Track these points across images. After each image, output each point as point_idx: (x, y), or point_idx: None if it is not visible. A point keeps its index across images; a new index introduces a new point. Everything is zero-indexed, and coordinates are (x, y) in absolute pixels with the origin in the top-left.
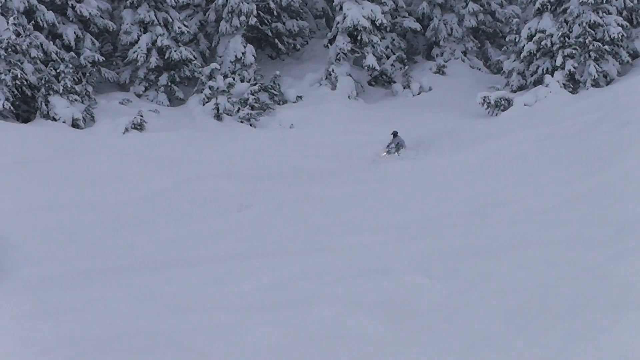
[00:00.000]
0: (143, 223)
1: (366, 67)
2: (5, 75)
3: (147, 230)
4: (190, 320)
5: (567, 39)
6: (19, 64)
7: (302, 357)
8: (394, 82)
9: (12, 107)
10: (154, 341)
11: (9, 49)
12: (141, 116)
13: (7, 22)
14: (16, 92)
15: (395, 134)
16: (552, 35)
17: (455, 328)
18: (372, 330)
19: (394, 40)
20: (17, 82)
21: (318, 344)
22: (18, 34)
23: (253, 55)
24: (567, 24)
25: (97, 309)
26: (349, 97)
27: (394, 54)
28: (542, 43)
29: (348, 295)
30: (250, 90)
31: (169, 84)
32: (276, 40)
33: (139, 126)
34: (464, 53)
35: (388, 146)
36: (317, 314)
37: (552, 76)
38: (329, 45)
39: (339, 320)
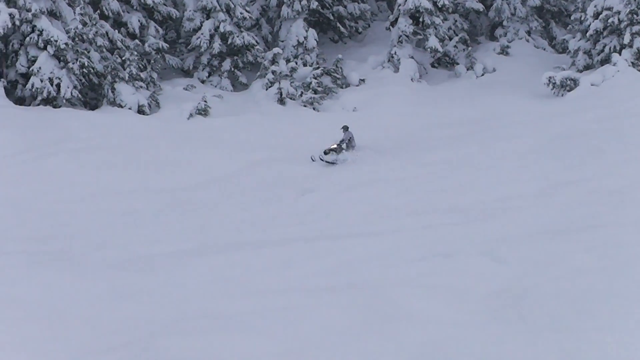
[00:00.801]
0: (209, 207)
1: (428, 49)
2: (73, 63)
3: (213, 214)
4: (257, 303)
5: (635, 15)
6: (86, 52)
7: (368, 339)
8: (457, 64)
9: (80, 95)
10: (222, 323)
11: (76, 38)
12: (205, 101)
13: (74, 12)
14: (83, 80)
15: (345, 129)
16: (619, 13)
17: (522, 311)
18: (439, 312)
19: (456, 21)
20: (84, 70)
21: (384, 326)
22: (84, 24)
23: (315, 39)
24: (635, 0)
25: (166, 292)
26: (411, 79)
27: (457, 35)
28: (609, 21)
29: (414, 277)
30: (313, 74)
31: (232, 69)
32: (338, 24)
33: (203, 111)
34: (528, 33)
35: (340, 142)
36: (383, 296)
37: (620, 55)
38: (390, 27)
39: (406, 303)
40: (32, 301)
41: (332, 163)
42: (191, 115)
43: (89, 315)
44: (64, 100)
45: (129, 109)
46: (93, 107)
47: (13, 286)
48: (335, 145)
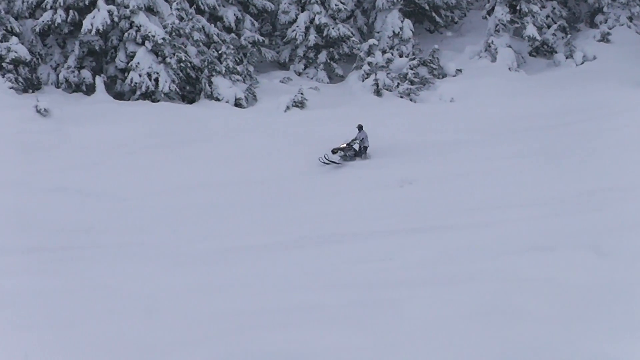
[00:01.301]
0: (306, 199)
1: (526, 38)
2: (171, 58)
3: (310, 206)
4: (354, 294)
5: None
6: (183, 47)
7: (467, 333)
8: (556, 52)
9: (177, 89)
10: (318, 315)
11: (173, 33)
12: (302, 94)
13: (171, 8)
14: (181, 74)
15: (360, 128)
16: None
17: (625, 306)
18: (536, 307)
19: (554, 8)
20: (181, 64)
21: (481, 320)
22: (181, 19)
23: (411, 30)
24: None
25: (256, 284)
26: (509, 68)
27: (555, 22)
28: None
29: (512, 271)
30: (409, 65)
31: (328, 61)
32: (433, 14)
33: (299, 104)
34: (630, 19)
35: (351, 142)
36: (480, 290)
37: None
38: (487, 16)
39: (503, 297)
40: (127, 292)
41: (338, 164)
42: (288, 107)
43: (184, 307)
44: (162, 95)
45: (226, 102)
46: (191, 101)
47: (108, 277)
48: (344, 145)
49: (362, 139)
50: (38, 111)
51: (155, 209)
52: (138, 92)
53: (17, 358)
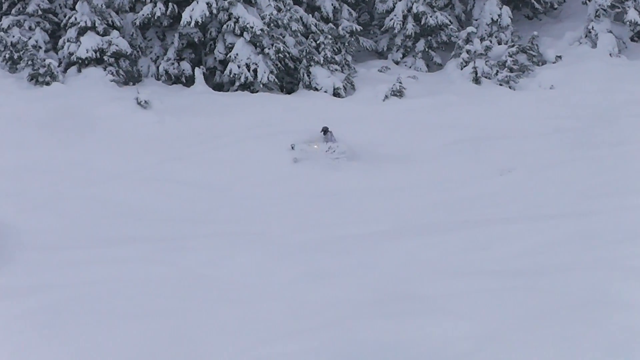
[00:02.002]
0: (403, 188)
1: (628, 23)
2: (269, 49)
3: (409, 195)
4: (455, 285)
5: None
6: (281, 37)
7: (567, 324)
8: None
9: (276, 79)
10: (419, 305)
11: (271, 24)
12: (400, 83)
13: None
14: (279, 64)
15: (325, 131)
16: None
17: None
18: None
19: None
20: (280, 55)
21: (581, 310)
22: (279, 9)
23: (509, 17)
24: None
25: (363, 273)
26: (610, 54)
27: None
28: None
29: (614, 260)
30: (508, 52)
31: (426, 49)
32: (532, 0)
33: (398, 93)
34: None
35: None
36: (581, 280)
37: None
38: (587, 1)
39: (604, 287)
40: (231, 282)
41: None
42: (386, 96)
43: (287, 296)
44: (261, 85)
45: (325, 92)
46: (289, 91)
47: (212, 267)
48: (317, 146)
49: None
50: (139, 103)
51: (258, 198)
52: (237, 83)
53: (126, 347)
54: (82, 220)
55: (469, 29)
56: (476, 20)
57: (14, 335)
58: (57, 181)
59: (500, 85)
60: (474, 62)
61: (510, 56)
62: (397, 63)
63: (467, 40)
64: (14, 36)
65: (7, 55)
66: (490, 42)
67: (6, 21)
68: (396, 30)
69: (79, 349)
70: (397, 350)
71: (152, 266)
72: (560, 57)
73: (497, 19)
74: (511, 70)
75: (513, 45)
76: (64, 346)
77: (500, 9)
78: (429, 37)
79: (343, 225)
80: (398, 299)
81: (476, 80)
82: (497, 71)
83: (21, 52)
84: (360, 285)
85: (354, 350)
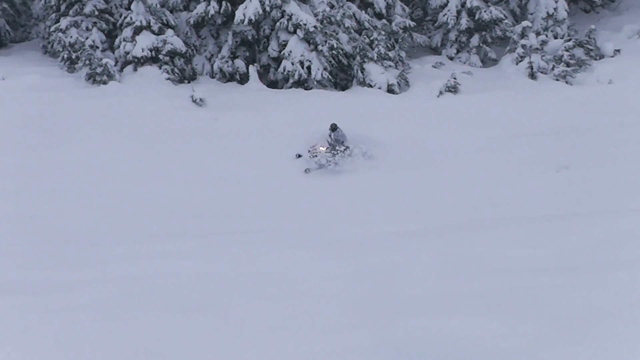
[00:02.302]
0: (457, 184)
1: None
2: (323, 46)
3: (460, 191)
4: (498, 282)
5: None
6: (334, 34)
7: (625, 320)
8: None
9: (330, 76)
10: (462, 302)
11: (325, 21)
12: (454, 78)
13: None
14: (333, 61)
15: (334, 128)
16: None
17: None
18: None
19: None
20: (333, 52)
21: (636, 309)
22: (332, 6)
23: (565, 10)
24: None
25: (407, 270)
26: None
27: None
28: None
29: None
30: (564, 47)
31: (481, 44)
32: None
33: (452, 89)
34: None
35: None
36: (635, 278)
37: None
38: None
39: None
40: (275, 278)
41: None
42: (441, 92)
43: (333, 293)
44: (315, 82)
45: (379, 88)
46: (343, 88)
47: (265, 263)
48: (323, 148)
49: (336, 139)
50: (194, 101)
51: (309, 194)
52: (291, 80)
53: (173, 341)
54: (130, 216)
55: (524, 23)
56: (531, 14)
57: (65, 329)
58: (112, 177)
59: (557, 80)
60: (530, 57)
61: (567, 50)
62: (451, 59)
63: (523, 35)
64: (71, 36)
65: (65, 55)
66: (546, 36)
67: (64, 22)
68: (450, 26)
69: (126, 343)
70: (444, 346)
71: (198, 261)
72: (618, 50)
73: (553, 13)
74: (568, 65)
75: (569, 39)
76: (112, 339)
77: (556, 2)
78: (483, 32)
79: (385, 221)
80: (444, 295)
81: (532, 76)
82: (554, 66)
83: (79, 52)
84: (405, 282)
85: (401, 347)
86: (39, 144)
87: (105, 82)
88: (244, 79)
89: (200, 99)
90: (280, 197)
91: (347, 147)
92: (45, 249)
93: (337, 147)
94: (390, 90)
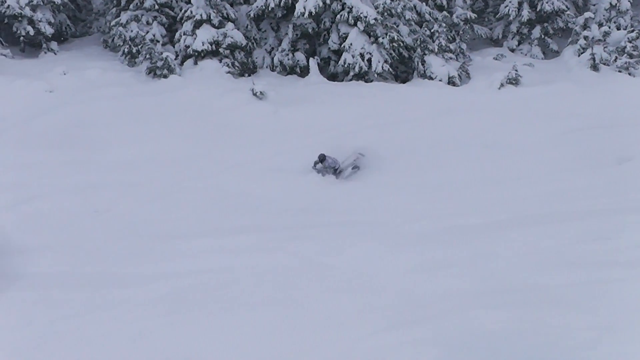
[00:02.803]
0: (516, 178)
1: None
2: (383, 38)
3: (523, 185)
4: (573, 275)
5: None
6: (395, 26)
7: None
8: None
9: (390, 69)
10: (537, 296)
11: (385, 13)
12: (516, 71)
13: None
14: (393, 54)
15: (322, 159)
16: None
17: None
18: None
19: None
20: (394, 44)
21: None
22: None
23: (629, 1)
24: None
25: (480, 263)
26: None
27: None
28: None
29: None
30: (628, 38)
31: (542, 36)
32: None
33: (514, 81)
34: None
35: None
36: None
37: None
38: None
39: None
40: (346, 271)
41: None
42: (502, 85)
43: (403, 287)
44: (375, 75)
45: (439, 80)
46: (404, 80)
47: (328, 256)
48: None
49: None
50: (254, 94)
51: (374, 188)
52: (351, 73)
53: (243, 334)
54: (201, 210)
55: (587, 14)
56: (594, 5)
57: (138, 321)
58: (175, 172)
59: (620, 72)
60: (592, 49)
61: (630, 42)
62: (512, 51)
63: (585, 26)
64: (132, 31)
65: (126, 50)
66: (609, 27)
67: (125, 16)
68: (511, 17)
69: (198, 336)
70: (514, 340)
71: (269, 255)
72: None
73: (616, 4)
74: (631, 56)
75: (633, 30)
76: (184, 332)
77: None
78: (545, 24)
79: (457, 215)
80: (515, 289)
81: (594, 67)
82: (616, 57)
83: (139, 46)
84: (476, 276)
85: (469, 341)
86: (104, 139)
87: (165, 76)
88: (304, 71)
89: (261, 92)
90: (345, 192)
91: (338, 169)
92: (117, 244)
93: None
94: (451, 82)
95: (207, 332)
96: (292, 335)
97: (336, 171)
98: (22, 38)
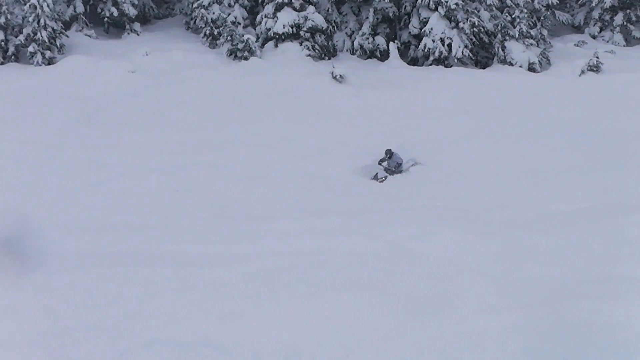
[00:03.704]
0: (609, 167)
1: None
2: (464, 23)
3: (614, 173)
4: None
5: None
6: (476, 12)
7: None
8: None
9: (470, 54)
10: (627, 288)
11: None
12: (597, 57)
13: None
14: (474, 39)
15: (390, 155)
16: None
17: None
18: None
19: None
20: (474, 29)
21: None
22: None
23: None
24: None
25: (567, 252)
26: None
27: None
28: None
29: None
30: None
31: (625, 23)
32: None
33: (595, 68)
34: None
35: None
36: None
37: None
38: None
39: None
40: (435, 257)
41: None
42: (582, 71)
43: (492, 274)
44: (455, 60)
45: (519, 66)
46: (484, 66)
47: (417, 241)
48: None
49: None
50: (334, 77)
51: (459, 173)
52: (431, 58)
53: (333, 319)
54: (291, 192)
55: None
56: None
57: (227, 301)
58: (262, 154)
59: None
60: None
61: None
62: (594, 37)
63: None
64: (214, 13)
65: (207, 32)
66: None
67: None
68: (593, 4)
69: (286, 318)
70: (604, 332)
71: (358, 238)
72: None
73: None
74: None
75: None
76: (272, 314)
77: None
78: (628, 10)
79: (546, 202)
80: (606, 280)
81: None
82: None
83: (221, 28)
84: (566, 265)
85: (559, 330)
86: (193, 121)
87: (246, 58)
88: (383, 56)
89: (341, 76)
90: (438, 174)
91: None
92: (207, 224)
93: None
94: (531, 68)
95: (296, 315)
96: (380, 319)
97: (399, 166)
98: (106, 19)
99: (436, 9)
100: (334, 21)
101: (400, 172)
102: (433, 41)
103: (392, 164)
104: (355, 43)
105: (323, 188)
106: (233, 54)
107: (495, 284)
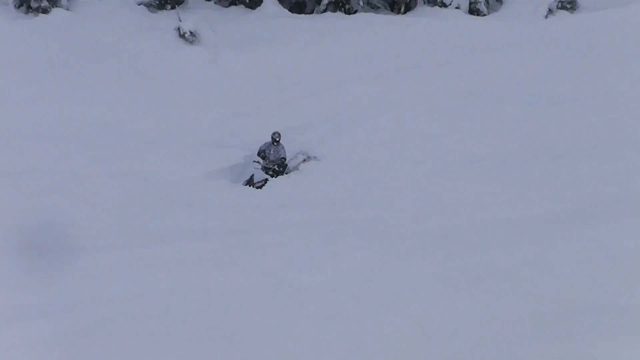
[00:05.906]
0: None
1: None
2: None
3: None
4: None
5: None
6: None
7: None
8: None
9: None
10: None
11: None
12: None
13: None
14: None
15: (275, 141)
16: None
17: None
18: None
19: None
20: None
21: None
22: None
23: None
24: None
25: (523, 276)
26: None
27: None
28: None
29: None
30: None
31: None
32: None
33: (568, 4)
34: None
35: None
36: None
37: None
38: None
39: None
40: (330, 291)
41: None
42: (550, 11)
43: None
44: (361, 4)
45: (456, 8)
46: (405, 10)
47: (306, 270)
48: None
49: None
50: (181, 35)
51: (367, 166)
52: (325, 1)
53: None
54: (111, 209)
55: None
56: None
57: None
58: (73, 153)
59: None
60: None
61: None
62: None
63: None
64: None
65: None
66: None
67: None
68: None
69: None
70: None
71: (217, 271)
72: None
73: None
74: None
75: None
76: None
77: None
78: None
79: (492, 206)
80: (584, 311)
81: None
82: None
83: None
84: (519, 293)
85: None
86: None
87: (46, 11)
88: (255, 1)
89: (191, 32)
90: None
91: (280, 168)
92: None
93: (270, 167)
94: (473, 10)
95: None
96: None
97: (284, 163)
98: None
99: None
100: None
101: (287, 172)
102: None
103: (274, 159)
104: None
105: (164, 199)
106: (25, 4)
107: (416, 323)
